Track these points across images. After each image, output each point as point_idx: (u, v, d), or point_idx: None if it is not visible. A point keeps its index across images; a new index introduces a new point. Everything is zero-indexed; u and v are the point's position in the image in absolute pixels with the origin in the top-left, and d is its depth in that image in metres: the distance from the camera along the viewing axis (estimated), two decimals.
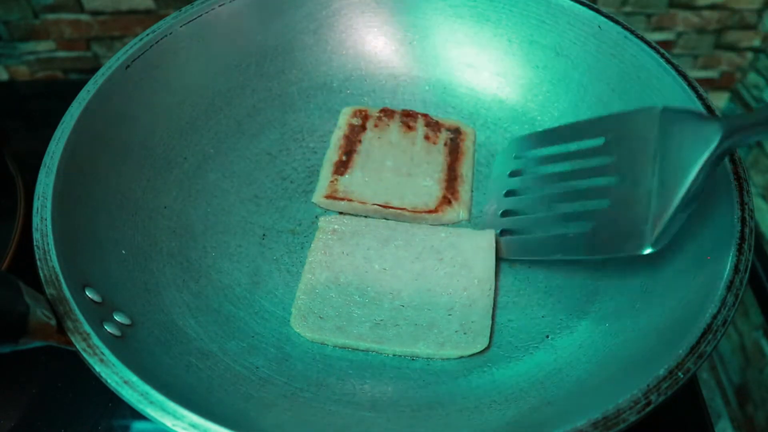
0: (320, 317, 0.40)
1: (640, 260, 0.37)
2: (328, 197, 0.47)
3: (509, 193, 0.46)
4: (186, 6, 0.49)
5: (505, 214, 0.45)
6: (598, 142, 0.39)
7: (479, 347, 0.39)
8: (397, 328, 0.40)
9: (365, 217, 0.47)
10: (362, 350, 0.39)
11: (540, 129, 0.51)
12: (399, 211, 0.46)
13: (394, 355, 0.39)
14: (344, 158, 0.50)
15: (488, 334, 0.39)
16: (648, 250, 0.35)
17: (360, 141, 0.51)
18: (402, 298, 0.41)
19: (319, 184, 0.48)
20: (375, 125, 0.52)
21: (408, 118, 0.52)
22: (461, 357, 0.39)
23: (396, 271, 0.42)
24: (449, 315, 0.40)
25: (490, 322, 0.40)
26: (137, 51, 0.46)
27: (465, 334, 0.39)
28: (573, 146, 0.42)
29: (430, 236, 0.44)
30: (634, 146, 0.37)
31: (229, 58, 0.51)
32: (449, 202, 0.47)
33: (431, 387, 0.38)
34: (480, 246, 0.43)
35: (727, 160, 0.38)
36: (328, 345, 0.40)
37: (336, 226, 0.45)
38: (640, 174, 0.36)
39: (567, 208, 0.41)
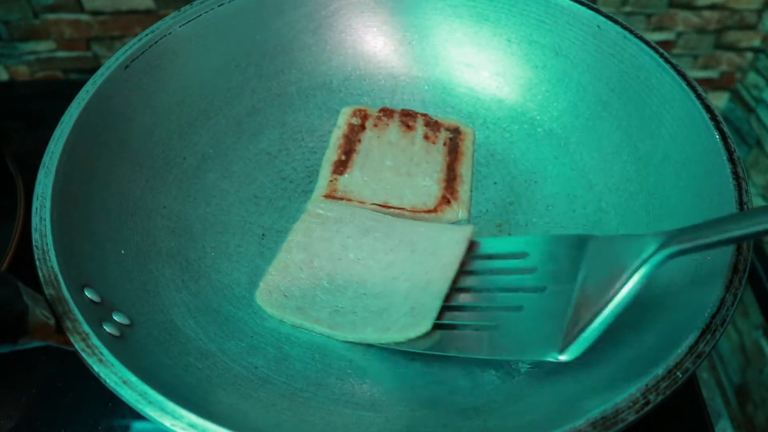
0: (285, 295, 0.41)
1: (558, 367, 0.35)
2: (327, 197, 0.47)
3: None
4: (185, 6, 0.50)
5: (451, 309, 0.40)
6: (526, 258, 0.38)
7: (422, 330, 0.37)
8: (353, 315, 0.40)
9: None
10: (317, 334, 0.40)
11: (540, 129, 0.51)
12: (398, 210, 0.46)
13: (345, 342, 0.39)
14: (343, 158, 0.50)
15: (433, 317, 0.37)
16: (555, 358, 0.33)
17: (359, 140, 0.51)
18: (366, 287, 0.41)
19: (318, 184, 0.49)
20: (374, 125, 0.52)
21: (407, 117, 0.52)
22: (408, 340, 0.37)
23: (368, 262, 0.42)
24: (405, 299, 0.39)
25: (439, 304, 0.38)
26: (136, 51, 0.46)
27: (413, 317, 0.38)
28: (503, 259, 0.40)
29: (409, 230, 0.44)
30: (560, 266, 0.36)
31: (229, 58, 0.51)
32: (448, 202, 0.47)
33: (430, 387, 0.37)
34: (454, 239, 0.42)
35: (726, 158, 0.38)
36: (286, 323, 0.40)
37: (321, 211, 0.45)
38: (562, 288, 0.34)
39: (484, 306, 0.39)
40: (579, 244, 0.36)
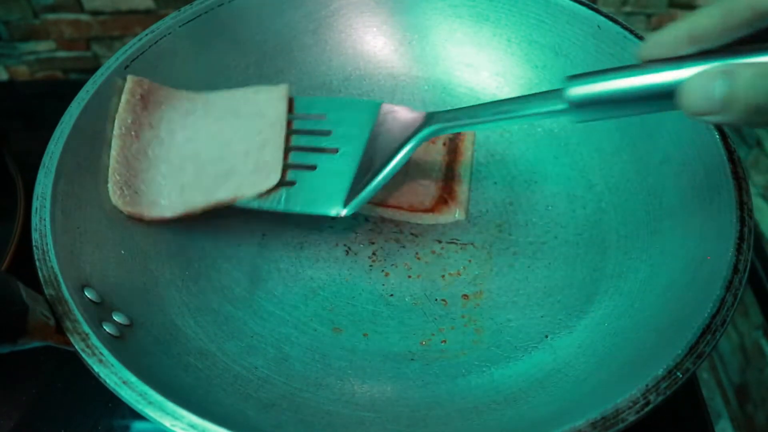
0: (135, 192, 0.41)
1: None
2: None
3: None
4: (185, 6, 0.50)
5: None
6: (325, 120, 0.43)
7: (272, 182, 0.41)
8: (200, 185, 0.41)
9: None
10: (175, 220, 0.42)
11: (540, 129, 0.51)
12: (395, 209, 0.46)
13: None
14: None
15: (280, 170, 0.41)
16: (337, 213, 0.40)
17: None
18: (203, 159, 0.43)
19: None
20: None
21: None
22: (260, 195, 0.41)
23: (199, 136, 0.44)
24: (246, 159, 0.42)
25: (282, 157, 0.42)
26: (136, 51, 0.46)
27: (258, 173, 0.41)
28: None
29: (227, 99, 0.45)
30: (353, 130, 0.42)
31: (229, 58, 0.51)
32: (445, 202, 0.47)
33: (430, 387, 0.38)
34: (275, 97, 0.44)
35: (726, 158, 0.38)
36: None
37: (143, 93, 0.44)
38: (351, 151, 0.41)
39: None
40: (371, 110, 0.42)
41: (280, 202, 0.41)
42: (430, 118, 0.40)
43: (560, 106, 0.34)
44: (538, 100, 0.36)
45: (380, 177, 0.40)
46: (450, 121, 0.39)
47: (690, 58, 0.30)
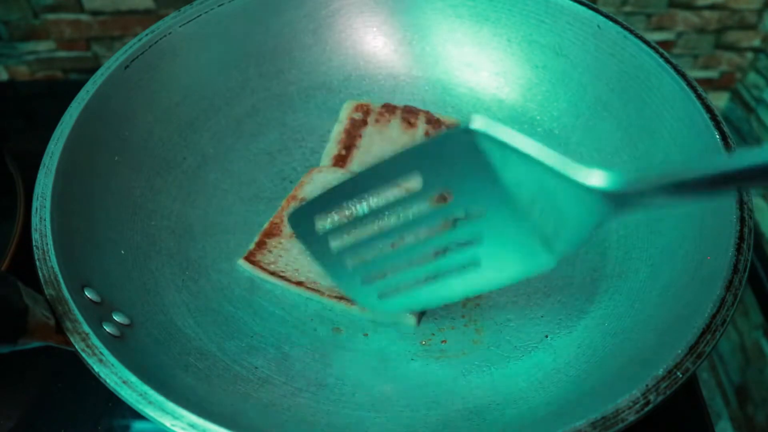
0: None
1: None
2: None
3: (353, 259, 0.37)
4: (185, 6, 0.49)
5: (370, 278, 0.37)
6: (415, 179, 0.32)
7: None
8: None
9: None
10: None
11: (540, 129, 0.51)
12: None
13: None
14: (343, 152, 0.50)
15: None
16: (552, 263, 0.31)
17: (360, 136, 0.51)
18: None
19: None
20: (376, 120, 0.52)
21: (409, 114, 0.52)
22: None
23: None
24: None
25: None
26: (136, 51, 0.46)
27: None
28: (388, 191, 0.33)
29: None
30: (471, 184, 0.31)
31: (229, 58, 0.51)
32: (445, 200, 0.47)
33: (430, 387, 0.38)
34: None
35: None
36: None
37: None
38: (503, 214, 0.31)
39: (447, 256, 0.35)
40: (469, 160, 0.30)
41: (476, 286, 0.35)
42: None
43: None
44: None
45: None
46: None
47: None
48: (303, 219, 0.34)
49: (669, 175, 0.25)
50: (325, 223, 0.34)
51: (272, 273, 0.42)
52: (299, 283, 0.42)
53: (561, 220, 0.30)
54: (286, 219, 0.43)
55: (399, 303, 0.38)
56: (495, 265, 0.33)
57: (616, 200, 0.27)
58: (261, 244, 0.44)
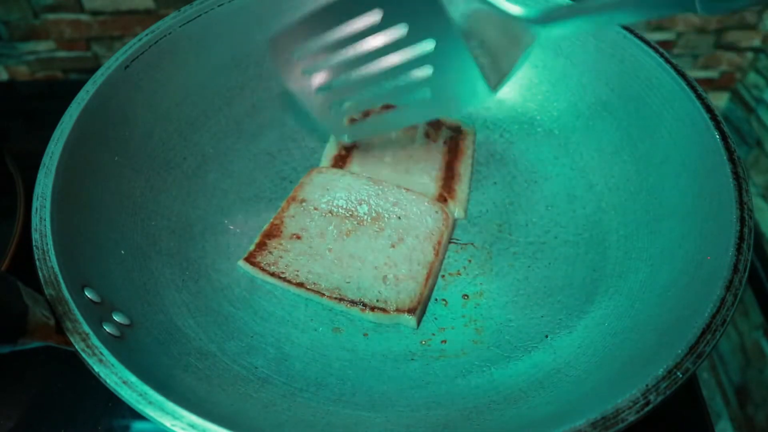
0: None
1: None
2: None
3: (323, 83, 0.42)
4: (185, 6, 0.49)
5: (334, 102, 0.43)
6: (378, 17, 0.38)
7: None
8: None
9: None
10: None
11: (540, 129, 0.51)
12: None
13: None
14: (343, 152, 0.50)
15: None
16: (491, 95, 0.38)
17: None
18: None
19: None
20: None
21: None
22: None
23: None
24: None
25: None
26: (136, 51, 0.46)
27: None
28: (356, 25, 0.39)
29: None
30: (432, 25, 0.37)
31: (229, 58, 0.51)
32: (445, 201, 0.47)
33: (430, 387, 0.38)
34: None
35: (726, 158, 0.38)
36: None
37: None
38: (454, 51, 0.37)
39: (397, 83, 0.40)
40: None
41: (425, 115, 0.42)
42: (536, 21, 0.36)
43: None
44: None
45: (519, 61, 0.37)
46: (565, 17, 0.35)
47: None
48: (280, 46, 0.41)
49: (572, 7, 0.34)
50: (298, 52, 0.41)
51: (272, 274, 0.42)
52: (300, 284, 0.42)
53: (496, 52, 0.37)
54: (269, 50, 0.42)
55: (365, 129, 0.45)
56: (443, 94, 0.39)
57: (535, 25, 0.35)
58: (261, 245, 0.44)
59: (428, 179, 0.48)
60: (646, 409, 0.29)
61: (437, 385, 0.38)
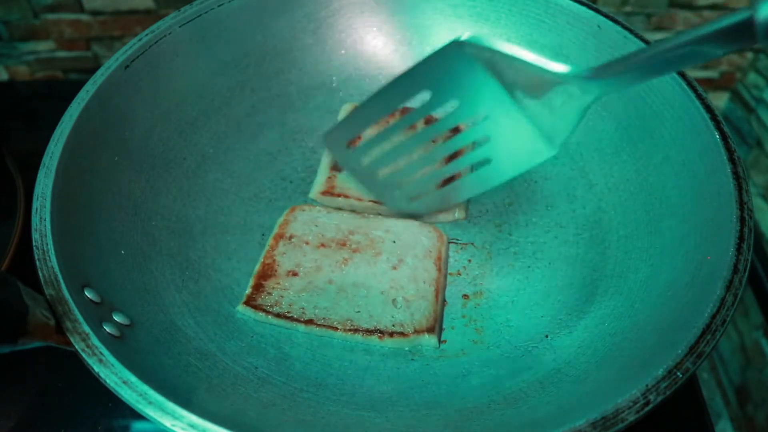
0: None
1: None
2: (324, 193, 0.47)
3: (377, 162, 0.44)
4: (185, 6, 0.49)
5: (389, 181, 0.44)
6: (427, 96, 0.39)
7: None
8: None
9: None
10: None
11: None
12: None
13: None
14: None
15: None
16: (554, 150, 0.37)
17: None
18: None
19: (317, 180, 0.49)
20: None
21: None
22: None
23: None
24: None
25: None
26: (136, 51, 0.46)
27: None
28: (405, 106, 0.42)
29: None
30: (472, 91, 0.38)
31: (229, 58, 0.51)
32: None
33: (430, 387, 0.37)
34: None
35: (726, 158, 0.38)
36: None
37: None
38: (508, 117, 0.37)
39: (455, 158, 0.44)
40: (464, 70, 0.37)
41: (491, 181, 0.41)
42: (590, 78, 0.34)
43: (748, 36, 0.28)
44: (720, 37, 0.28)
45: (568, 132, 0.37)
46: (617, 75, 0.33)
47: None
48: (335, 140, 0.44)
49: (625, 59, 0.32)
50: (354, 141, 0.44)
51: (278, 315, 0.41)
52: (309, 322, 0.40)
53: (552, 110, 0.36)
54: (326, 145, 0.45)
55: (428, 203, 0.45)
56: (503, 159, 0.40)
57: (587, 84, 0.34)
58: (258, 287, 0.42)
59: None
60: (646, 409, 0.29)
61: (437, 385, 0.38)
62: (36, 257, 0.34)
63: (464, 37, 0.35)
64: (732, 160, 0.38)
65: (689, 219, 0.39)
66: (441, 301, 0.42)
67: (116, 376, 0.30)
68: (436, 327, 0.40)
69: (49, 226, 0.35)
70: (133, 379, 0.30)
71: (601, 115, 0.48)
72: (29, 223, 0.36)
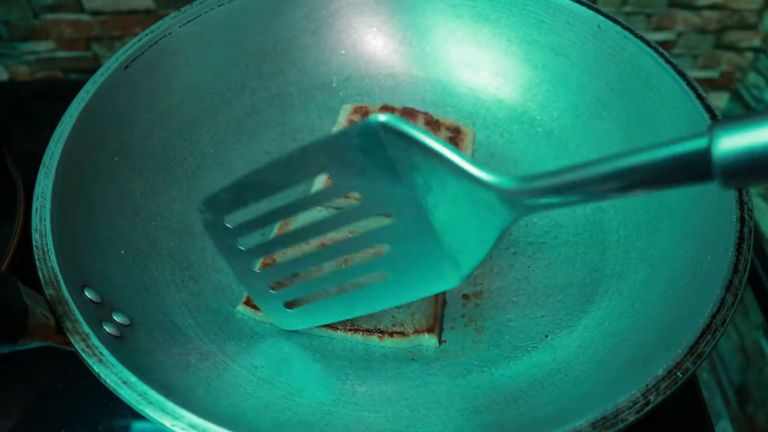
0: None
1: None
2: None
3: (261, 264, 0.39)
4: (185, 6, 0.50)
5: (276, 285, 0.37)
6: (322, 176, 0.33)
7: None
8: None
9: None
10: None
11: (540, 129, 0.51)
12: None
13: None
14: None
15: None
16: (458, 282, 0.32)
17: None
18: None
19: (317, 180, 0.48)
20: None
21: (408, 116, 0.52)
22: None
23: None
24: None
25: None
26: (136, 51, 0.46)
27: None
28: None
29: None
30: (390, 195, 0.30)
31: (229, 58, 0.51)
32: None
33: (430, 387, 0.37)
34: None
35: None
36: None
37: None
38: (417, 227, 0.31)
39: (351, 265, 0.36)
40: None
41: (385, 302, 0.35)
42: (510, 200, 0.28)
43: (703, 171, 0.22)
44: (668, 161, 0.23)
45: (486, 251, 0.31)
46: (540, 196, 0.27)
47: None
48: (212, 210, 0.34)
49: (559, 175, 0.26)
50: (233, 218, 0.34)
51: None
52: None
53: (465, 228, 0.30)
54: (200, 217, 0.35)
55: (304, 317, 0.38)
56: (401, 279, 0.33)
57: (512, 200, 0.28)
58: None
59: None
60: (646, 409, 0.29)
61: (437, 385, 0.38)
62: (36, 257, 0.34)
63: (380, 118, 0.28)
64: None
65: (689, 219, 0.39)
66: (441, 301, 0.42)
67: (116, 376, 0.30)
68: (436, 327, 0.40)
69: (49, 226, 0.35)
70: (133, 379, 0.30)
71: (601, 115, 0.48)
72: (29, 223, 0.36)
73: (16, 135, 0.59)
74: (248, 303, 0.41)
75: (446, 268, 0.32)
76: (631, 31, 0.47)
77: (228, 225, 0.34)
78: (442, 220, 0.30)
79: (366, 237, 0.32)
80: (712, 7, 1.00)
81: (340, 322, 0.40)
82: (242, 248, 0.35)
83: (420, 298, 0.35)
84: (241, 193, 0.33)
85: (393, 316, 0.40)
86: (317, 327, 0.40)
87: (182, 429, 0.29)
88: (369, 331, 0.40)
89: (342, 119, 0.52)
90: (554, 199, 0.27)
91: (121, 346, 0.33)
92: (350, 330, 0.40)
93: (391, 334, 0.40)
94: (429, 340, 0.39)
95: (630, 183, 0.24)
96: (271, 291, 0.36)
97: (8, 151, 0.54)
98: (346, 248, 0.34)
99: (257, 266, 0.36)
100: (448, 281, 0.32)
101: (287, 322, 0.39)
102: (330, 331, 0.40)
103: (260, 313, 0.40)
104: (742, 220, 0.36)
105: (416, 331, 0.39)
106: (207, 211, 0.34)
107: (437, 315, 0.41)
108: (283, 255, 0.40)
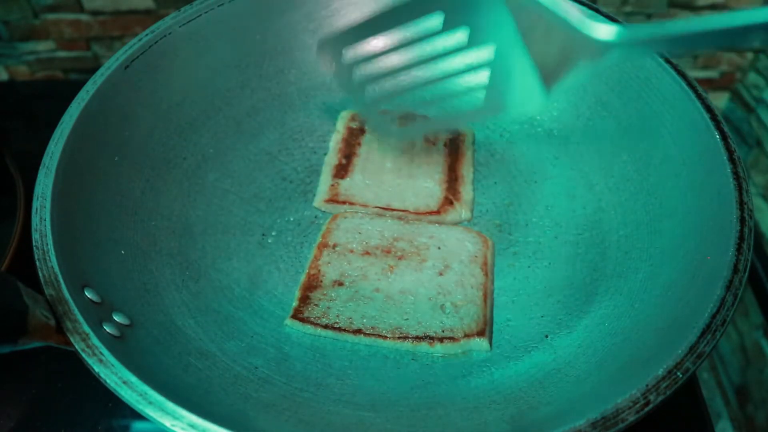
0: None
1: None
2: (328, 201, 0.47)
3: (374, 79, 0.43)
4: (185, 6, 0.49)
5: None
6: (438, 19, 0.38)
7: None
8: None
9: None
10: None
11: (540, 129, 0.51)
12: (401, 212, 0.46)
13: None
14: (344, 161, 0.50)
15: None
16: (542, 102, 0.37)
17: (359, 144, 0.51)
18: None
19: (320, 189, 0.48)
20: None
21: (406, 120, 0.52)
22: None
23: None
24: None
25: None
26: (136, 51, 0.46)
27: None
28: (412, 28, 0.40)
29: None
30: (494, 28, 0.37)
31: (229, 58, 0.51)
32: (451, 203, 0.47)
33: (430, 387, 0.38)
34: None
35: (726, 158, 0.38)
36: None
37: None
38: (514, 56, 0.36)
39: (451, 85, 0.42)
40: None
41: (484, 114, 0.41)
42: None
43: None
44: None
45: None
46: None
47: None
48: (331, 47, 0.41)
49: (657, 29, 0.30)
50: (351, 53, 0.40)
51: (326, 327, 0.40)
52: (357, 332, 0.40)
53: (559, 60, 0.34)
54: (318, 50, 0.42)
55: (416, 129, 0.46)
56: (496, 97, 0.39)
57: (607, 47, 0.32)
58: (304, 300, 0.42)
59: (432, 183, 0.48)
60: (646, 409, 0.29)
61: (437, 385, 0.38)
62: (36, 257, 0.34)
63: None
64: (732, 160, 0.38)
65: (689, 219, 0.39)
66: (490, 305, 0.42)
67: (116, 376, 0.30)
68: (486, 330, 0.40)
69: (49, 226, 0.35)
70: (133, 379, 0.30)
71: (601, 115, 0.48)
72: (29, 223, 0.36)
73: (16, 135, 0.59)
74: (295, 316, 0.41)
75: (536, 89, 0.36)
76: None
77: (345, 60, 0.40)
78: (538, 52, 0.35)
79: (469, 54, 0.38)
80: (712, 6, 1.00)
81: (389, 331, 0.40)
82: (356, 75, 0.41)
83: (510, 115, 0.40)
84: (359, 31, 0.40)
85: (442, 322, 0.40)
86: (370, 335, 0.40)
87: (182, 429, 0.29)
88: (419, 338, 0.39)
89: (340, 127, 0.52)
90: (638, 47, 0.32)
91: (121, 346, 0.33)
92: (400, 338, 0.40)
93: (441, 340, 0.39)
94: (480, 344, 0.39)
95: (732, 35, 0.28)
96: (388, 106, 0.43)
97: (8, 151, 0.54)
98: (452, 61, 0.40)
99: (372, 89, 0.42)
100: (535, 100, 0.37)
101: (397, 135, 0.47)
102: (379, 340, 0.40)
103: (308, 326, 0.40)
104: (742, 220, 0.36)
105: (466, 336, 0.39)
106: (326, 46, 0.41)
107: (487, 318, 0.40)
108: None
